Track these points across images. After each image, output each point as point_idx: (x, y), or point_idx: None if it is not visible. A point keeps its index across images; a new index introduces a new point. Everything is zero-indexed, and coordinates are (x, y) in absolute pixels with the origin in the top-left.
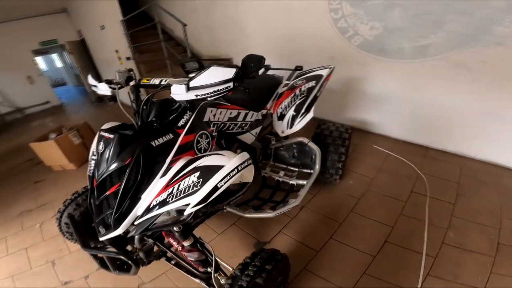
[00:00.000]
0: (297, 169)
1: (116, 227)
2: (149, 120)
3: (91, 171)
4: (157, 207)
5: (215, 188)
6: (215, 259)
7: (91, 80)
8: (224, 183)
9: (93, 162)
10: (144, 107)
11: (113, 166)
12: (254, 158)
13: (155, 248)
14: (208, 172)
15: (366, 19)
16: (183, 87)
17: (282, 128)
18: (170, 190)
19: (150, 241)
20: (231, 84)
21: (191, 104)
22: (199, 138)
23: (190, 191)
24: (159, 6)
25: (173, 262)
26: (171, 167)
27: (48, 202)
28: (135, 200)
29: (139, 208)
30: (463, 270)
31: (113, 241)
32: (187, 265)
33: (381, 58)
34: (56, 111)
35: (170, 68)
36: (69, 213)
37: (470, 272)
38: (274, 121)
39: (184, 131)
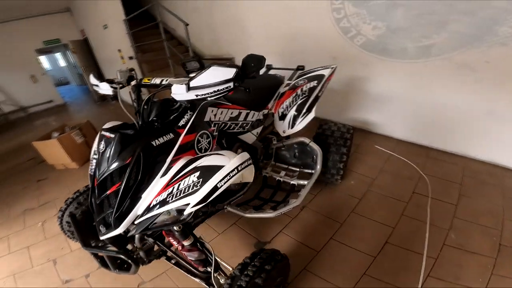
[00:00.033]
0: (298, 169)
1: (117, 226)
2: (150, 119)
3: (92, 170)
4: (157, 206)
5: (215, 188)
6: (214, 258)
7: (92, 80)
8: (224, 183)
9: (94, 161)
10: (145, 107)
11: (114, 165)
12: (255, 158)
13: (156, 247)
14: (208, 172)
15: (368, 19)
16: (184, 87)
17: (283, 128)
18: (170, 189)
19: (151, 240)
20: (231, 84)
21: (192, 104)
22: (199, 138)
23: (190, 191)
24: (161, 6)
25: (173, 261)
26: (172, 166)
27: (51, 200)
28: (136, 199)
29: (140, 208)
30: (464, 271)
31: (113, 240)
32: (187, 265)
33: (383, 58)
34: (59, 110)
35: (172, 67)
36: (71, 212)
37: (471, 274)
38: (275, 121)
39: (185, 130)
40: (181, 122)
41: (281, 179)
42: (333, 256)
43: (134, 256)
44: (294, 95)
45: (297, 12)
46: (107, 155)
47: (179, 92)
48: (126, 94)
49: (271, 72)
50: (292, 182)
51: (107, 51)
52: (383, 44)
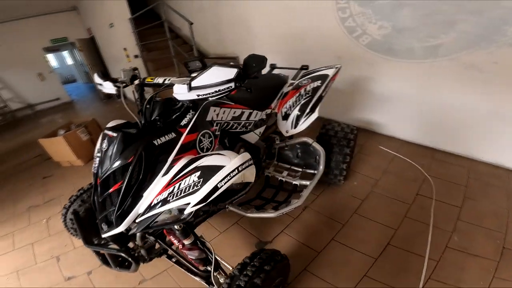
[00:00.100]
0: (300, 170)
1: (118, 224)
2: (152, 119)
3: (96, 169)
4: (158, 205)
5: (215, 188)
6: (215, 258)
7: (97, 79)
8: (224, 184)
9: (97, 159)
10: (148, 106)
11: (116, 164)
12: (258, 157)
13: (157, 246)
14: (208, 172)
15: (374, 18)
16: (185, 86)
17: (286, 127)
18: (171, 189)
19: (152, 238)
20: (232, 84)
21: (194, 103)
22: (201, 137)
23: (191, 190)
24: (166, 5)
25: (174, 260)
26: (173, 166)
27: (56, 197)
28: (137, 198)
29: (141, 206)
30: (466, 274)
31: (115, 238)
32: (188, 263)
33: (389, 58)
34: (66, 107)
35: (177, 66)
36: (74, 209)
37: (473, 277)
38: (278, 120)
39: (187, 130)
40: (183, 122)
41: (284, 179)
42: (333, 257)
43: (135, 254)
44: (297, 94)
45: (302, 11)
46: (110, 154)
47: (181, 92)
48: (131, 93)
49: (275, 71)
50: (294, 182)
51: (113, 49)
52: (389, 44)
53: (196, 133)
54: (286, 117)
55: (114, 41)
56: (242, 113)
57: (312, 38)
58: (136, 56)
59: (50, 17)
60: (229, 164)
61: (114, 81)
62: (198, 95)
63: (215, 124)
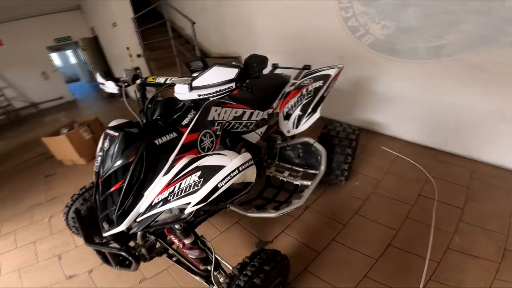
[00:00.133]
0: (302, 170)
1: (119, 223)
2: (153, 118)
3: (97, 168)
4: (159, 204)
5: (216, 188)
6: (215, 257)
7: (99, 79)
8: (225, 184)
9: (99, 158)
10: (149, 106)
11: (118, 163)
12: (259, 157)
13: (157, 245)
14: (209, 171)
15: (377, 18)
16: (186, 86)
17: (288, 127)
18: (171, 188)
19: (152, 237)
20: (233, 84)
21: (195, 103)
22: (202, 137)
23: (191, 190)
24: (169, 4)
25: (174, 259)
26: (174, 165)
27: (58, 196)
28: (138, 197)
29: (142, 205)
30: (466, 275)
31: (116, 237)
32: (188, 263)
33: (392, 58)
34: (69, 106)
35: (179, 65)
36: (76, 208)
37: (473, 278)
38: (280, 120)
39: (188, 129)
40: (185, 121)
41: (285, 179)
42: (334, 257)
43: (136, 253)
44: (299, 94)
45: (304, 11)
46: (111, 153)
47: (182, 92)
48: (133, 92)
49: (277, 71)
50: (295, 183)
51: (116, 49)
52: (392, 44)
53: (197, 133)
54: (287, 117)
55: (117, 40)
56: (244, 113)
57: (314, 38)
58: (138, 56)
59: (54, 16)
60: (229, 164)
61: (116, 80)
62: (199, 95)
63: (216, 124)
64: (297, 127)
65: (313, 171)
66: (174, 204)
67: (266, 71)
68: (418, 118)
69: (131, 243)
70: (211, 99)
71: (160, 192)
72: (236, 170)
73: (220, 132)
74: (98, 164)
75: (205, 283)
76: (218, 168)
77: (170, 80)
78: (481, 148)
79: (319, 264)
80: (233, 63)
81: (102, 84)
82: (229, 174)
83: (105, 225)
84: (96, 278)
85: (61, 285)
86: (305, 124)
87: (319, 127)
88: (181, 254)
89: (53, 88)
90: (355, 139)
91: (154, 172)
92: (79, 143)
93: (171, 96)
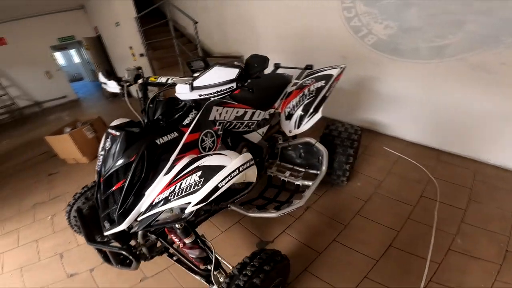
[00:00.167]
0: (303, 170)
1: (120, 222)
2: (155, 118)
3: (99, 167)
4: (160, 204)
5: (216, 188)
6: (215, 257)
7: (101, 78)
8: (225, 184)
9: (101, 158)
10: (151, 105)
11: (119, 162)
12: (261, 157)
13: (158, 244)
14: (209, 171)
15: (380, 18)
16: (187, 86)
17: (289, 127)
18: (172, 188)
19: (153, 237)
20: (234, 85)
21: (197, 103)
22: (204, 137)
23: (191, 190)
24: (172, 4)
25: (175, 258)
26: (175, 165)
27: (61, 194)
28: (139, 196)
29: (143, 205)
30: (467, 277)
31: (117, 236)
32: (188, 262)
33: (395, 58)
34: (72, 105)
35: (181, 65)
36: (78, 207)
37: (474, 280)
38: (281, 120)
39: (189, 129)
40: (186, 121)
41: (286, 179)
42: (334, 258)
43: (137, 252)
44: (301, 94)
45: (306, 11)
46: (113, 152)
47: (183, 92)
48: (136, 92)
49: (279, 71)
50: (296, 183)
51: (119, 48)
52: (394, 44)
53: (199, 133)
54: (289, 117)
55: (120, 39)
56: (245, 112)
57: (316, 38)
58: (141, 55)
59: (57, 15)
60: (230, 164)
61: (118, 80)
62: (200, 95)
63: (217, 124)
64: (298, 127)
65: (314, 171)
66: (175, 204)
67: (268, 70)
68: (420, 118)
69: (132, 242)
70: (212, 99)
71: (161, 192)
72: (237, 170)
73: (221, 132)
74: (100, 163)
75: (205, 283)
76: (219, 168)
77: (172, 80)
78: (484, 149)
79: (320, 265)
80: (235, 62)
81: (105, 83)
82: (229, 174)
83: (106, 224)
84: (97, 276)
85: (62, 284)
86: (307, 124)
87: (321, 127)
88: (181, 253)
89: (56, 87)
90: (357, 139)
91: (155, 171)
92: (82, 142)
93: (173, 96)
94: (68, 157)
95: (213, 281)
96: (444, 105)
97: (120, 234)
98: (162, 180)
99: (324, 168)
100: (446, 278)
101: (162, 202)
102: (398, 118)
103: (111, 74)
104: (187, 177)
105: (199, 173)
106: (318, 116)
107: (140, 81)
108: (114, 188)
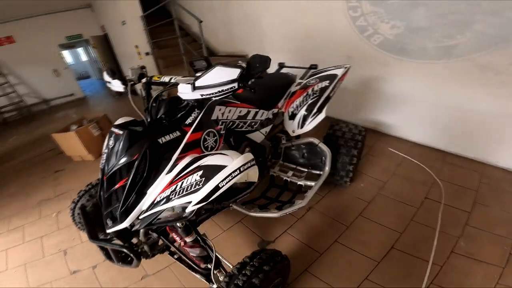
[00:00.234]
0: (306, 170)
1: (122, 220)
2: (158, 117)
3: (103, 165)
4: (161, 203)
5: (217, 188)
6: (215, 256)
7: (106, 77)
8: (226, 183)
9: (104, 156)
10: (154, 104)
11: (122, 161)
12: (263, 156)
13: (160, 242)
14: (210, 171)
15: (386, 18)
16: (189, 86)
17: (293, 127)
18: (174, 187)
19: (155, 235)
20: (235, 85)
21: (199, 102)
22: (206, 136)
23: (192, 189)
24: (177, 3)
25: (176, 256)
26: (177, 164)
27: (66, 191)
28: (141, 194)
29: (145, 203)
30: (469, 280)
31: (119, 234)
32: (189, 261)
33: (401, 58)
34: (79, 103)
35: (186, 64)
36: (82, 204)
37: (476, 283)
38: (285, 120)
39: (192, 129)
40: (188, 120)
41: (288, 179)
42: (336, 259)
43: (138, 250)
44: (305, 94)
45: (312, 10)
46: (116, 151)
47: (185, 91)
48: (140, 90)
49: (284, 70)
50: (299, 183)
51: (125, 46)
52: (401, 44)
53: (201, 132)
54: (293, 116)
55: (126, 38)
56: (248, 112)
57: (322, 37)
58: (147, 54)
59: (65, 14)
60: (231, 164)
61: (122, 79)
62: (202, 95)
63: (220, 123)
64: (302, 127)
65: (317, 172)
66: (176, 203)
67: (272, 70)
68: (426, 119)
69: (134, 240)
70: (214, 98)
71: (163, 190)
72: (238, 170)
73: (224, 132)
74: (103, 161)
75: (206, 281)
76: (220, 168)
77: (174, 79)
78: (492, 151)
79: (320, 265)
80: (239, 62)
81: (109, 82)
82: (230, 174)
83: (109, 222)
84: (100, 273)
85: (64, 280)
86: (310, 124)
87: (324, 127)
88: (182, 252)
89: (64, 85)
90: (361, 140)
91: (157, 170)
92: (88, 140)
93: (176, 95)
94: (74, 155)
95: (213, 280)
96: (451, 106)
97: (122, 232)
98: (164, 179)
99: (327, 168)
100: (447, 281)
101: (164, 200)
102: (403, 119)
103: (115, 73)
104: (188, 176)
105: (200, 172)
106: (321, 116)
107: (143, 80)
108: (116, 186)
